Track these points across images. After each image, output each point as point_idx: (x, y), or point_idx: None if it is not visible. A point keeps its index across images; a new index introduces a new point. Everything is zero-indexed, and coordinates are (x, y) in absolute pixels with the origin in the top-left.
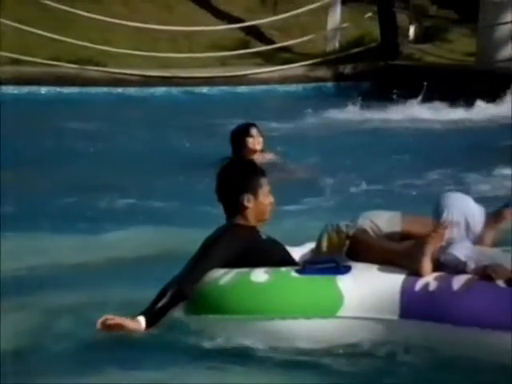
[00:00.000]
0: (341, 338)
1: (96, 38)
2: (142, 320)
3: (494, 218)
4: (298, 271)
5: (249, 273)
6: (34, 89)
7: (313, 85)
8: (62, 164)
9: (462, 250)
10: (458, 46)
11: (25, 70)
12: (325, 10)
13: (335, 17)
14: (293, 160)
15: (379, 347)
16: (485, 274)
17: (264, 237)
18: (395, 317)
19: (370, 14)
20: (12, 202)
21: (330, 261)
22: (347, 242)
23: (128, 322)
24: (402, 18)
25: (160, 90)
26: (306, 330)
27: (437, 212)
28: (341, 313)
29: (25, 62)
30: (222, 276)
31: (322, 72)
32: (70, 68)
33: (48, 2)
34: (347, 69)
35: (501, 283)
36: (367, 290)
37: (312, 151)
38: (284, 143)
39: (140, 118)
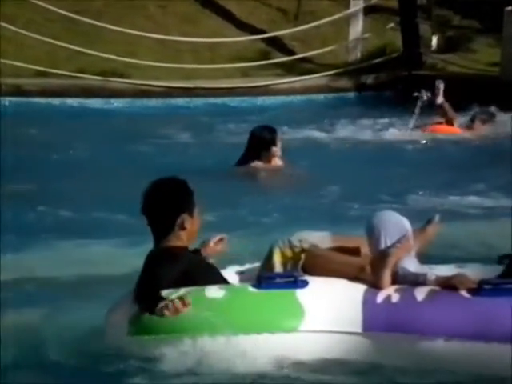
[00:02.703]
0: (306, 351)
1: (120, 51)
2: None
3: (418, 234)
4: (254, 286)
5: (202, 289)
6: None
7: (334, 95)
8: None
9: (412, 264)
10: (481, 56)
11: (51, 82)
12: (346, 20)
13: (357, 27)
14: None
15: (344, 360)
16: (448, 284)
17: (197, 258)
18: (359, 329)
19: (392, 25)
20: None
21: (287, 275)
22: (303, 256)
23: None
24: (424, 28)
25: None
26: (271, 346)
27: (371, 230)
28: (303, 327)
29: (51, 74)
30: (171, 294)
31: (344, 82)
32: (95, 80)
33: (74, 16)
34: (369, 79)
35: (464, 293)
36: (328, 303)
37: (329, 162)
38: (302, 153)
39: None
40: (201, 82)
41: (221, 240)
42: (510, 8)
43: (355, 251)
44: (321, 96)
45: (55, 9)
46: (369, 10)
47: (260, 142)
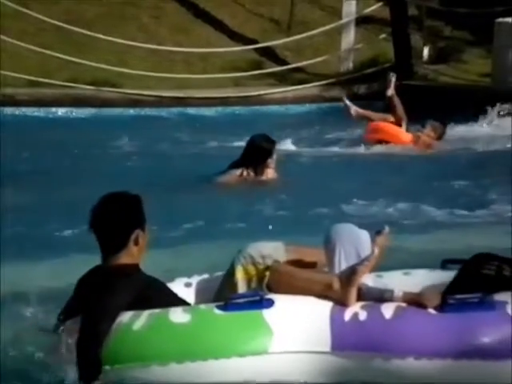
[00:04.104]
0: (276, 374)
1: (113, 60)
2: None
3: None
4: (220, 308)
5: (166, 313)
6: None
7: (327, 105)
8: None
9: (368, 279)
10: (472, 67)
11: (43, 92)
12: (339, 31)
13: (349, 38)
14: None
15: (316, 381)
16: (415, 301)
17: (150, 278)
18: (327, 349)
19: (384, 35)
20: None
21: (253, 295)
22: (267, 274)
23: None
24: (416, 39)
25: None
26: (241, 369)
27: (327, 242)
28: (273, 348)
29: (43, 83)
30: (133, 319)
31: (336, 92)
32: (87, 89)
33: (66, 26)
34: (361, 89)
35: (430, 309)
36: (295, 322)
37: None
38: (295, 162)
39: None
40: (193, 92)
41: None
42: (500, 19)
43: (311, 264)
44: (313, 105)
45: (48, 19)
46: (361, 21)
47: (257, 151)
